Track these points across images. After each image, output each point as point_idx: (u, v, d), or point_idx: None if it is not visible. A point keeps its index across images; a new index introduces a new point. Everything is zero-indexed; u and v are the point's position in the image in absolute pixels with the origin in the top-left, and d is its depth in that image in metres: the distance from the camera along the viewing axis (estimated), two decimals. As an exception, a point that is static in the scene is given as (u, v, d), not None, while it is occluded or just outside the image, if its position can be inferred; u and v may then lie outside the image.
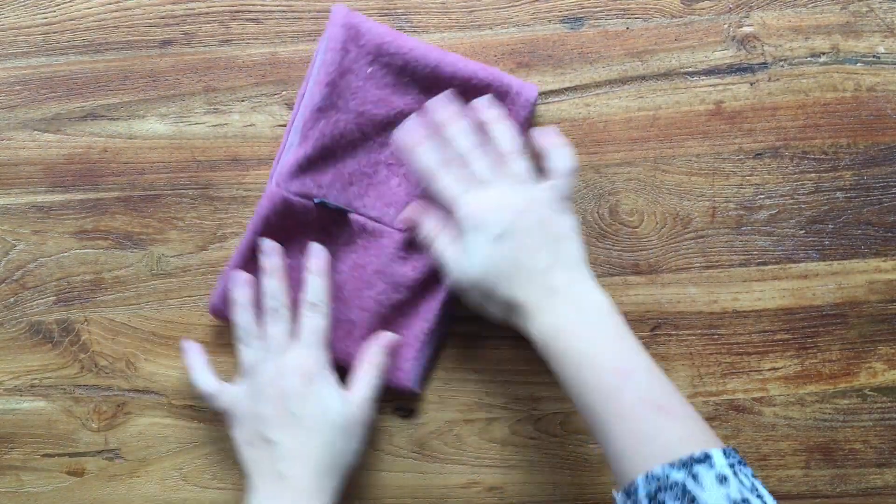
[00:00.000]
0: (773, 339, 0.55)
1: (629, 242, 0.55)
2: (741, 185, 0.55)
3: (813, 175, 0.55)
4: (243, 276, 0.51)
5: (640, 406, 0.42)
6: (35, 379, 0.56)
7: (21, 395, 0.56)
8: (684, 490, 0.38)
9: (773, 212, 0.55)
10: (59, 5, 0.55)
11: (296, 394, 0.48)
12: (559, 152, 0.49)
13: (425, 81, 0.52)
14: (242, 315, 0.50)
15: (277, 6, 0.54)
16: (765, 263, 0.55)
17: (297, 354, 0.49)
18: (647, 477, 0.39)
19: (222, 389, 0.50)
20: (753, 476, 0.40)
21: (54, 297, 0.55)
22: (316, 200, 0.51)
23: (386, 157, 0.53)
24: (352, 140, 0.52)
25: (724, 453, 0.40)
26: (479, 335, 0.55)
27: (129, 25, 0.55)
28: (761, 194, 0.55)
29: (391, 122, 0.52)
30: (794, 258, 0.55)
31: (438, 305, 0.53)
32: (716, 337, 0.55)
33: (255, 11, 0.55)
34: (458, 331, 0.55)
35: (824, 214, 0.55)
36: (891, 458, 0.55)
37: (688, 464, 0.39)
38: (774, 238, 0.55)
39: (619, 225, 0.55)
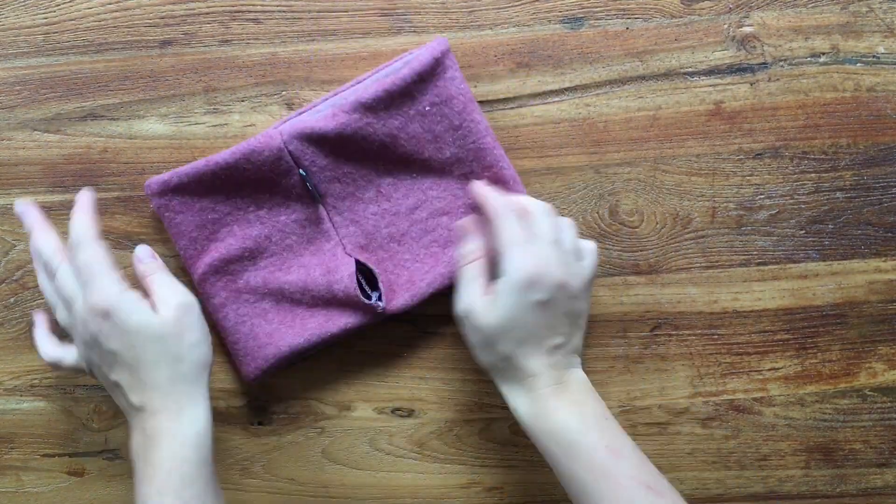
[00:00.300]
0: (773, 339, 0.55)
1: (629, 242, 0.55)
2: (741, 185, 0.55)
3: (813, 175, 0.55)
4: (35, 246, 0.49)
5: (634, 485, 0.43)
6: (35, 379, 0.56)
7: (21, 396, 0.56)
8: None
9: (773, 212, 0.55)
10: (59, 5, 0.55)
11: (102, 333, 0.45)
12: (587, 243, 0.50)
13: (462, 152, 0.53)
14: (41, 284, 0.49)
15: (277, 6, 0.54)
16: (765, 263, 0.55)
17: (85, 297, 0.46)
18: None
19: (63, 354, 0.49)
20: None
21: (54, 297, 0.55)
22: (302, 172, 0.51)
23: (384, 184, 0.53)
24: (368, 149, 0.52)
25: None
26: (479, 335, 0.55)
27: (130, 25, 0.55)
28: (761, 194, 0.55)
29: (411, 162, 0.53)
30: (795, 258, 0.55)
31: (332, 332, 0.52)
32: (716, 337, 0.55)
33: (255, 12, 0.55)
34: (458, 331, 0.55)
35: (824, 214, 0.55)
36: (891, 458, 0.55)
37: None
38: (774, 238, 0.55)
39: (619, 225, 0.55)
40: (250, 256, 0.53)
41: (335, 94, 0.52)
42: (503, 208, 0.48)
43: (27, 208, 0.50)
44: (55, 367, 0.50)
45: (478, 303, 0.47)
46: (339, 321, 0.52)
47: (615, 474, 0.43)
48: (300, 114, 0.52)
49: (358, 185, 0.53)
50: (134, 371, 0.45)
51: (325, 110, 0.51)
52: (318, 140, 0.51)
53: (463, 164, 0.53)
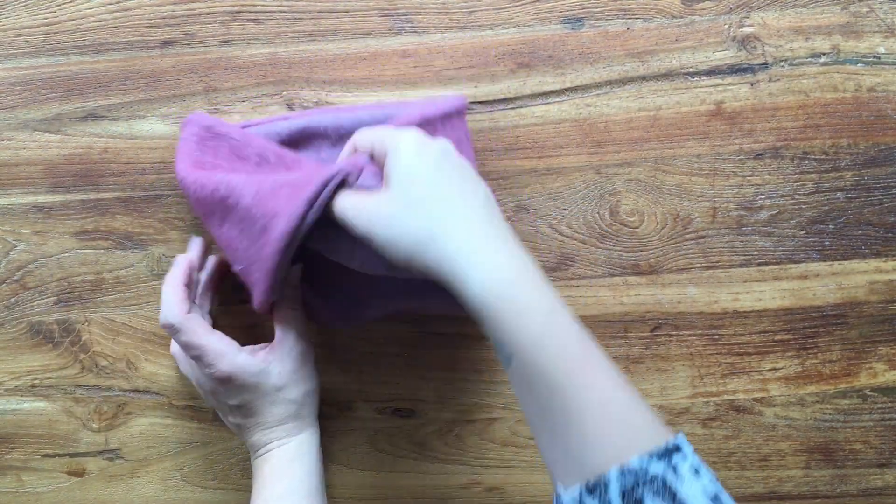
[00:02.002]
0: (773, 340, 0.55)
1: (630, 243, 0.55)
2: (742, 185, 0.55)
3: (813, 175, 0.55)
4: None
5: (610, 381, 0.37)
6: (35, 379, 0.56)
7: (21, 396, 0.56)
8: (664, 484, 0.34)
9: (774, 212, 0.55)
10: (59, 5, 0.55)
11: (222, 394, 0.49)
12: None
13: None
14: (167, 298, 0.49)
15: (278, 7, 0.54)
16: (765, 264, 0.55)
17: (202, 372, 0.48)
18: (622, 471, 0.34)
19: (192, 323, 0.48)
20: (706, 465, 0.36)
21: (55, 298, 0.55)
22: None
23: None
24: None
25: (685, 438, 0.36)
26: (480, 336, 0.55)
27: (130, 26, 0.55)
28: (762, 195, 0.55)
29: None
30: (795, 258, 0.55)
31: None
32: (716, 337, 0.55)
33: (256, 12, 0.55)
34: (459, 331, 0.55)
35: (825, 215, 0.55)
36: (891, 458, 0.55)
37: (665, 455, 0.35)
38: (775, 238, 0.55)
39: (619, 225, 0.55)
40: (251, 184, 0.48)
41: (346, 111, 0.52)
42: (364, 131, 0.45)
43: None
44: (177, 329, 0.47)
45: (376, 202, 0.40)
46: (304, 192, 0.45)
47: (591, 368, 0.37)
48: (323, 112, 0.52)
49: None
50: (249, 418, 0.49)
51: (347, 125, 0.51)
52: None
53: None
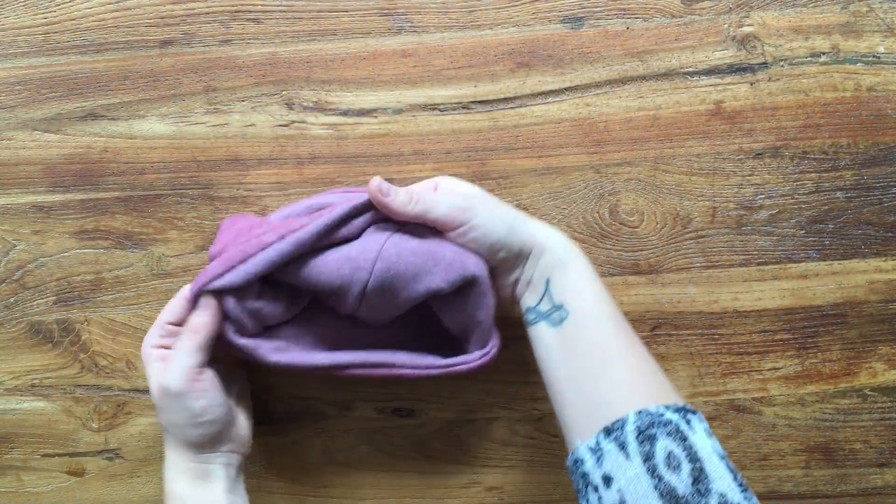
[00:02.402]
0: (773, 339, 0.55)
1: (629, 242, 0.55)
2: (741, 184, 0.55)
3: (813, 175, 0.55)
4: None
5: (642, 345, 0.44)
6: (35, 379, 0.56)
7: (21, 395, 0.56)
8: (677, 428, 0.38)
9: (774, 212, 0.55)
10: (59, 5, 0.55)
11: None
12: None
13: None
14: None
15: (277, 6, 0.54)
16: (765, 263, 0.55)
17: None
18: (640, 413, 0.39)
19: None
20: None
21: (54, 297, 0.55)
22: None
23: None
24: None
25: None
26: (480, 335, 0.55)
27: (130, 25, 0.55)
28: (761, 194, 0.55)
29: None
30: (795, 258, 0.55)
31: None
32: (716, 337, 0.55)
33: (256, 11, 0.55)
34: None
35: (824, 214, 0.55)
36: (891, 457, 0.55)
37: (681, 410, 0.39)
38: (775, 238, 0.55)
39: (619, 225, 0.55)
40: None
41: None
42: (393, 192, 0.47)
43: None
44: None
45: (466, 186, 0.48)
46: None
47: (628, 331, 0.45)
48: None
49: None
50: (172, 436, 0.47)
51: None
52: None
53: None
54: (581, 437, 0.41)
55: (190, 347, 0.45)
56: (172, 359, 0.45)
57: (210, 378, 0.46)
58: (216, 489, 0.46)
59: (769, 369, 0.55)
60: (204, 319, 0.45)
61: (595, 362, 0.42)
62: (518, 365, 0.55)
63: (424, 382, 0.55)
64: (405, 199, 0.46)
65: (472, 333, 0.49)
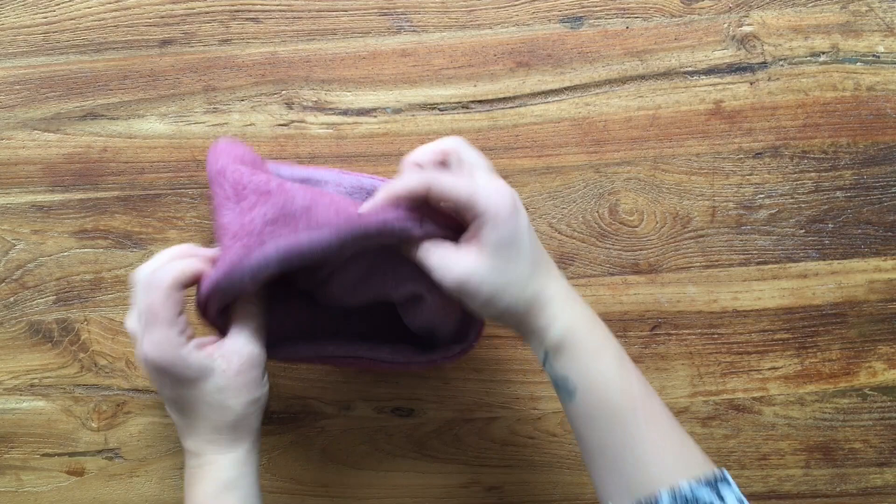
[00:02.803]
0: (772, 339, 0.55)
1: (629, 242, 0.55)
2: (741, 184, 0.55)
3: (813, 174, 0.55)
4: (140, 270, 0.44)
5: (667, 415, 0.41)
6: (35, 378, 0.56)
7: (21, 395, 0.56)
8: None
9: (773, 211, 0.55)
10: (58, 5, 0.55)
11: (154, 381, 0.43)
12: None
13: None
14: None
15: (277, 6, 0.55)
16: (764, 263, 0.55)
17: (141, 344, 0.42)
18: (672, 493, 0.38)
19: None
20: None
21: (54, 297, 0.55)
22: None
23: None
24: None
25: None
26: (479, 334, 0.55)
27: (129, 25, 0.55)
28: (761, 194, 0.55)
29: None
30: (794, 257, 0.55)
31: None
32: (715, 336, 0.55)
33: (255, 11, 0.55)
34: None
35: (824, 214, 0.55)
36: (891, 457, 0.55)
37: (713, 482, 0.38)
38: (774, 237, 0.55)
39: (618, 224, 0.55)
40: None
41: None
42: (433, 175, 0.42)
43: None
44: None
45: (469, 263, 0.41)
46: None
47: (651, 404, 0.42)
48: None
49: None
50: (184, 417, 0.44)
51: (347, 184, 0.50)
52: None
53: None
54: (613, 502, 0.40)
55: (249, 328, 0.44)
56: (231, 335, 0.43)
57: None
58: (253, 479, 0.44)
59: (769, 369, 0.55)
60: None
61: (616, 440, 0.40)
62: (518, 364, 0.55)
63: (424, 382, 0.55)
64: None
65: (441, 334, 0.49)
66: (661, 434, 0.41)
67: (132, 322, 0.44)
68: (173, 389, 0.43)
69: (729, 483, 0.39)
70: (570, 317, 0.42)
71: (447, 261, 0.42)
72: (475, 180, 0.42)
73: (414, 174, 0.43)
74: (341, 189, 0.50)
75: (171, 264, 0.43)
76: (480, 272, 0.41)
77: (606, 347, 0.42)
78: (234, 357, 0.43)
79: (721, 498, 0.38)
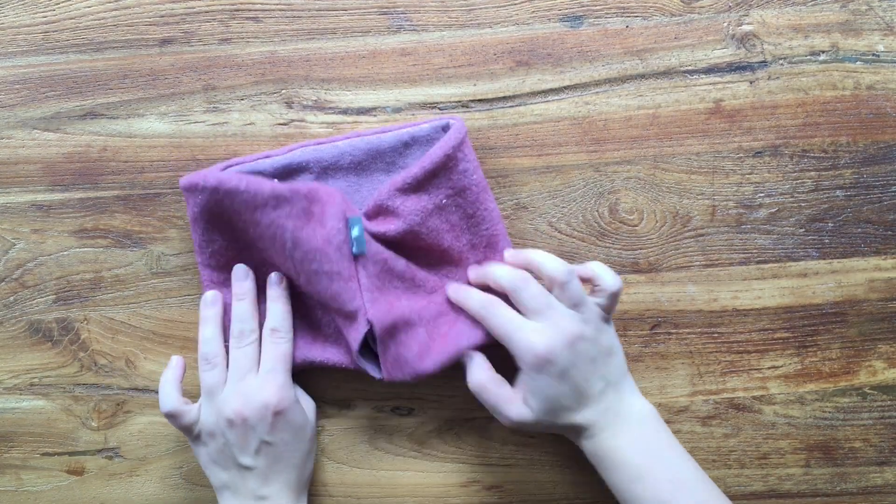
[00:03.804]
0: (772, 338, 0.55)
1: (629, 241, 0.55)
2: (741, 183, 0.55)
3: (812, 173, 0.55)
4: (214, 295, 0.52)
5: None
6: (34, 378, 0.56)
7: (20, 394, 0.56)
8: None
9: (773, 210, 0.55)
10: (58, 4, 0.55)
11: (265, 425, 0.48)
12: (606, 271, 0.49)
13: (476, 238, 0.53)
14: (209, 332, 0.51)
15: (277, 5, 0.55)
16: (765, 262, 0.55)
17: (261, 382, 0.49)
18: None
19: (184, 410, 0.50)
20: None
21: (54, 296, 0.55)
22: (352, 220, 0.49)
23: (404, 266, 0.52)
24: (391, 244, 0.51)
25: None
26: (479, 334, 0.55)
27: (129, 24, 0.55)
28: (761, 193, 0.55)
29: (431, 251, 0.52)
30: (794, 256, 0.55)
31: (320, 360, 0.53)
32: (716, 335, 0.55)
33: (255, 10, 0.55)
34: (458, 329, 0.55)
35: (824, 213, 0.55)
36: (891, 456, 0.55)
37: None
38: (774, 236, 0.55)
39: (618, 223, 0.55)
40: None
41: (338, 140, 0.53)
42: (491, 307, 0.49)
43: (244, 281, 0.52)
44: (168, 416, 0.50)
45: (512, 410, 0.48)
46: (333, 356, 0.53)
47: None
48: (319, 143, 0.53)
49: (390, 266, 0.51)
50: (274, 464, 0.49)
51: (349, 151, 0.52)
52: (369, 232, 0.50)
53: (476, 250, 0.53)
54: None
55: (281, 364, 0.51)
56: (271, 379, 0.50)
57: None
58: None
59: (769, 368, 0.55)
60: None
61: None
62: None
63: (424, 381, 0.55)
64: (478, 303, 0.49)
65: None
66: None
67: (247, 361, 0.50)
68: (282, 434, 0.49)
69: None
70: (600, 444, 0.47)
71: (501, 406, 0.48)
72: (517, 329, 0.47)
73: (475, 299, 0.49)
74: (323, 163, 0.52)
75: (283, 310, 0.52)
76: (528, 415, 0.48)
77: (643, 472, 0.46)
78: (310, 407, 0.53)
79: None
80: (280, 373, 0.50)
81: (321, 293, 0.49)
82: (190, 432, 0.50)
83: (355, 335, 0.49)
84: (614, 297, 0.49)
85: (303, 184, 0.49)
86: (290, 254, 0.49)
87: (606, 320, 0.49)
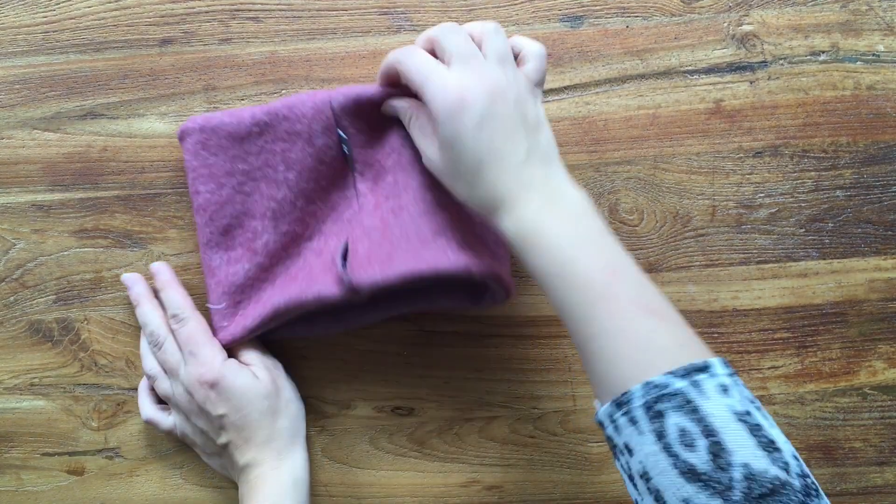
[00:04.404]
0: (773, 338, 0.55)
1: (629, 241, 0.55)
2: (741, 183, 0.55)
3: (813, 173, 0.55)
4: (143, 318, 0.53)
5: (634, 308, 0.38)
6: (35, 378, 0.56)
7: (21, 394, 0.56)
8: (686, 399, 0.35)
9: (773, 210, 0.55)
10: (58, 4, 0.55)
11: (210, 401, 0.49)
12: (529, 40, 0.46)
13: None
14: (143, 355, 0.53)
15: (277, 5, 0.54)
16: (765, 262, 0.55)
17: (190, 369, 0.50)
18: (645, 385, 0.36)
19: (160, 418, 0.53)
20: (748, 390, 0.38)
21: (54, 296, 0.55)
22: (340, 133, 0.50)
23: (407, 165, 0.50)
24: (405, 132, 0.50)
25: (723, 363, 0.37)
26: (479, 334, 0.55)
27: (129, 24, 0.55)
28: (761, 193, 0.55)
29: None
30: (794, 257, 0.55)
31: (304, 299, 0.49)
32: (716, 335, 0.55)
33: (255, 10, 0.55)
34: (458, 330, 0.55)
35: (824, 213, 0.55)
36: (891, 456, 0.55)
37: (689, 372, 0.36)
38: (774, 236, 0.55)
39: (618, 224, 0.55)
40: (272, 218, 0.51)
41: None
42: (406, 52, 0.44)
43: (134, 281, 0.54)
44: (148, 423, 0.54)
45: (428, 149, 0.44)
46: (314, 288, 0.49)
47: (614, 296, 0.38)
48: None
49: (387, 150, 0.50)
50: (241, 431, 0.50)
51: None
52: (362, 105, 0.49)
53: None
54: (599, 398, 0.39)
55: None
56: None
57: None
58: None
59: (769, 368, 0.55)
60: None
61: (583, 337, 0.39)
62: (518, 364, 0.55)
63: (424, 381, 0.55)
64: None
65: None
66: (624, 327, 0.38)
67: (173, 357, 0.51)
68: (227, 404, 0.49)
69: (709, 370, 0.36)
70: (518, 215, 0.41)
71: (423, 148, 0.46)
72: (432, 71, 0.43)
73: (394, 51, 0.46)
74: (305, 119, 0.50)
75: (176, 295, 0.52)
76: (438, 163, 0.44)
77: (559, 240, 0.40)
78: (262, 364, 0.52)
79: (696, 385, 0.36)
80: (198, 349, 0.50)
81: (321, 209, 0.52)
82: (175, 436, 0.53)
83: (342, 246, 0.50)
84: (540, 60, 0.45)
85: (280, 102, 0.50)
86: (285, 176, 0.51)
87: (534, 92, 0.44)
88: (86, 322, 0.55)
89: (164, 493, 0.56)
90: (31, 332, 0.56)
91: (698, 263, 0.55)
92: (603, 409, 0.38)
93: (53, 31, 0.55)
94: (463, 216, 0.49)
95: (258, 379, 0.51)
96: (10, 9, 0.55)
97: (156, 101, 0.55)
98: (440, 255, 0.46)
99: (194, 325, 0.51)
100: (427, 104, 0.43)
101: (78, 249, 0.55)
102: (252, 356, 0.52)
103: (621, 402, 0.37)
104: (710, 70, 0.54)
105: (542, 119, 0.44)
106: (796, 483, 0.35)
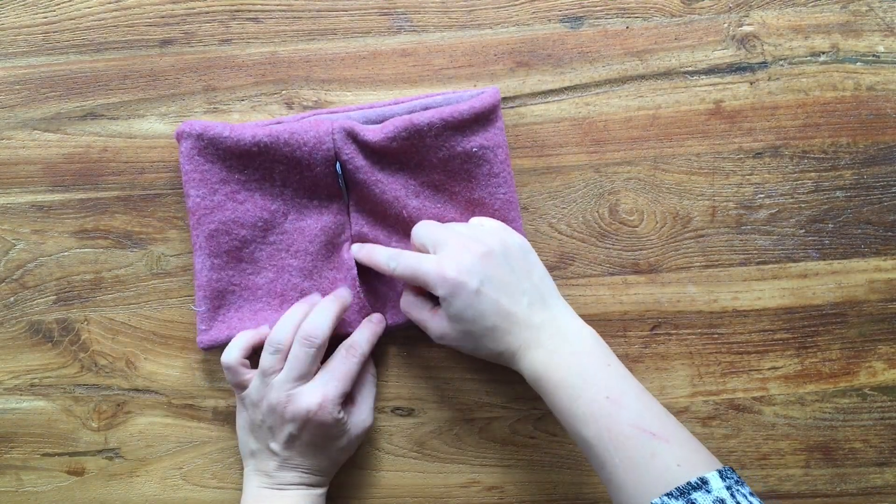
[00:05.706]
0: (773, 339, 0.55)
1: (629, 242, 0.55)
2: (741, 184, 0.55)
3: (813, 174, 0.55)
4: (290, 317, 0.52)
5: (634, 433, 0.42)
6: (35, 378, 0.56)
7: (21, 395, 0.56)
8: None
9: (773, 211, 0.55)
10: (58, 5, 0.55)
11: (295, 422, 0.49)
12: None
13: (490, 199, 0.53)
14: (286, 321, 0.51)
15: (277, 6, 0.54)
16: (765, 262, 0.55)
17: (312, 389, 0.49)
18: None
19: (241, 370, 0.51)
20: (751, 494, 0.40)
21: (54, 297, 0.55)
22: (338, 166, 0.51)
23: (410, 207, 0.53)
24: (405, 166, 0.53)
25: (721, 475, 0.40)
26: (479, 334, 0.55)
27: (129, 25, 0.55)
28: (761, 193, 0.55)
29: (441, 190, 0.54)
30: (794, 257, 0.55)
31: None
32: (716, 336, 0.55)
33: (255, 11, 0.55)
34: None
35: (824, 214, 0.55)
36: (891, 457, 0.55)
37: (685, 491, 0.39)
38: (774, 237, 0.55)
39: (619, 224, 0.55)
40: (263, 228, 0.53)
41: (376, 106, 0.53)
42: (392, 252, 0.50)
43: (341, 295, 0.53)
44: (226, 368, 0.51)
45: (434, 324, 0.49)
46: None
47: (616, 424, 0.42)
48: (335, 112, 0.53)
49: (386, 196, 0.52)
50: (296, 457, 0.50)
51: (374, 118, 0.52)
52: (362, 142, 0.51)
53: (486, 209, 0.53)
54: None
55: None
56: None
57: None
58: None
59: (769, 368, 0.55)
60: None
61: (594, 462, 0.44)
62: (518, 364, 0.55)
63: (425, 381, 0.55)
64: (384, 257, 0.50)
65: None
66: (630, 454, 0.42)
67: (299, 365, 0.50)
68: (312, 439, 0.50)
69: (705, 485, 0.40)
70: (528, 363, 0.46)
71: (427, 322, 0.49)
72: (422, 260, 0.47)
73: (381, 253, 0.50)
74: (307, 147, 0.51)
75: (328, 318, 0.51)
76: (451, 335, 0.48)
77: (564, 381, 0.45)
78: (361, 427, 0.52)
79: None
80: (335, 388, 0.50)
81: (311, 226, 0.53)
82: (239, 390, 0.51)
83: (349, 262, 0.53)
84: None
85: (283, 128, 0.50)
86: (281, 191, 0.52)
87: (513, 243, 0.49)
88: (86, 323, 0.55)
89: (164, 493, 0.56)
90: (31, 332, 0.56)
91: (698, 264, 0.55)
92: None
93: (53, 32, 0.55)
94: None
95: (348, 434, 0.51)
96: (11, 9, 0.55)
97: (156, 102, 0.55)
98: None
99: (355, 369, 0.51)
100: (430, 289, 0.47)
101: (78, 250, 0.55)
102: (364, 410, 0.53)
103: None
104: (710, 71, 0.54)
105: (531, 256, 0.49)
106: None
